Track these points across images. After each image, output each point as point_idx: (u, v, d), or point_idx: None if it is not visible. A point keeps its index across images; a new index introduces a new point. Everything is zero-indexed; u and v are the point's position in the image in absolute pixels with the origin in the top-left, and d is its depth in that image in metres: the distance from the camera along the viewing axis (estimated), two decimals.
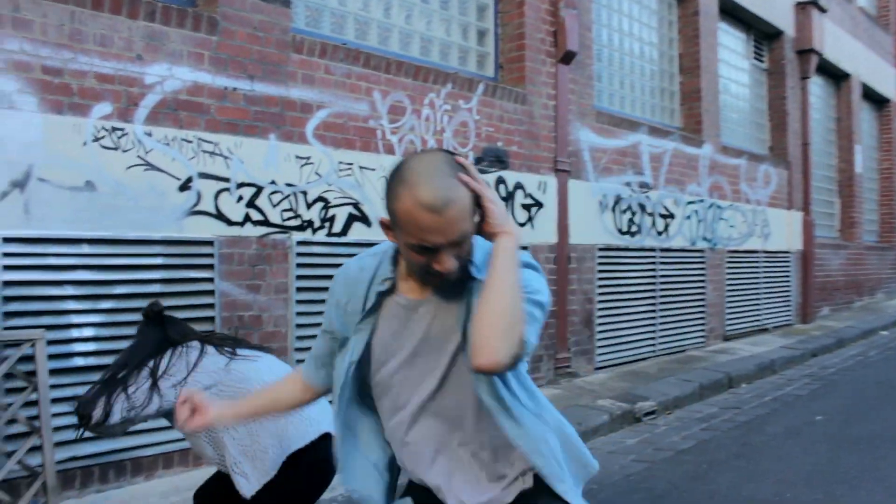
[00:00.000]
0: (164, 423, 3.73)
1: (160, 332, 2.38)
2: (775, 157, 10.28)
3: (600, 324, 6.89)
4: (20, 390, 3.28)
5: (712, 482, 4.05)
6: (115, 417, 2.30)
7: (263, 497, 2.26)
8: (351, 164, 4.62)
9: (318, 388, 1.80)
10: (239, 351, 2.38)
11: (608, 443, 4.91)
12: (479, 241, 1.52)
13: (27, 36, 3.39)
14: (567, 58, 6.30)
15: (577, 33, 6.39)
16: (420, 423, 1.59)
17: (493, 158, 5.71)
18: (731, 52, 9.72)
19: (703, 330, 8.37)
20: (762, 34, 10.36)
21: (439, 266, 1.43)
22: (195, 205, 3.91)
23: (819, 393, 6.40)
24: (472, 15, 5.99)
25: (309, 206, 4.45)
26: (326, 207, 4.51)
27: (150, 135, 3.76)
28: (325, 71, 4.53)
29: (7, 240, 3.33)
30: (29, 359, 3.25)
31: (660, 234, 7.70)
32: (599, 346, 6.89)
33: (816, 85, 11.93)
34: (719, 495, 3.84)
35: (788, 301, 10.36)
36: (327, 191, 4.52)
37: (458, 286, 1.51)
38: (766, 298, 9.77)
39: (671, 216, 7.85)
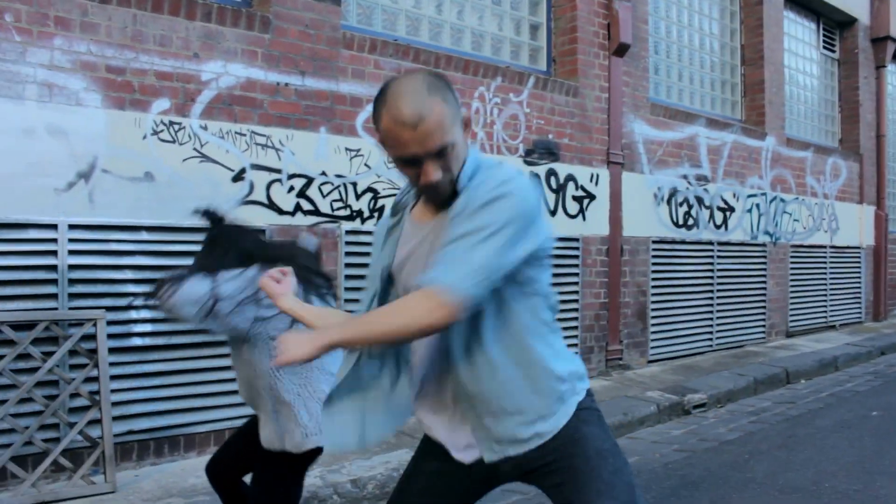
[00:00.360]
0: (217, 401, 3.98)
1: (236, 245, 2.34)
2: (845, 150, 10.00)
3: (654, 317, 6.88)
4: (83, 366, 3.54)
5: (750, 471, 4.06)
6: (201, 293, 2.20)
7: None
8: None
9: None
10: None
11: (654, 433, 4.94)
12: (472, 153, 1.66)
13: (94, 38, 3.64)
14: (621, 50, 6.31)
15: (631, 25, 6.38)
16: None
17: (544, 150, 5.77)
18: (798, 42, 9.49)
19: (763, 325, 8.24)
20: (833, 22, 10.08)
21: (425, 177, 1.56)
22: (248, 195, 4.12)
23: (879, 390, 6.25)
24: (524, 9, 6.06)
25: (358, 196, 4.61)
26: (375, 198, 4.67)
27: (205, 128, 3.98)
28: (374, 66, 4.69)
29: (73, 226, 3.59)
30: (91, 337, 3.51)
31: (718, 227, 7.61)
32: (653, 339, 6.88)
33: (893, 74, 11.52)
34: (754, 482, 3.86)
35: (858, 298, 10.07)
36: (376, 182, 4.68)
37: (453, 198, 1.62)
38: (833, 295, 9.53)
39: (731, 209, 7.76)
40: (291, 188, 4.29)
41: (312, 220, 4.39)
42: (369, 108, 4.66)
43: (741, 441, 4.67)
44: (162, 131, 3.83)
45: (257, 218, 4.13)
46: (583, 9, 6.07)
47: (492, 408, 1.64)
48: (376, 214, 4.66)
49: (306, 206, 4.36)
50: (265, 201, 4.18)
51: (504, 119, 5.46)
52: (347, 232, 4.56)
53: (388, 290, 1.79)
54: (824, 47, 10.04)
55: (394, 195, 4.76)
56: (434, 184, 1.57)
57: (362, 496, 3.58)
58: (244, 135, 4.10)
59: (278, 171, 4.23)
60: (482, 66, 5.33)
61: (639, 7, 6.62)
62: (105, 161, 3.66)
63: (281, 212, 4.25)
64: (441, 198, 1.63)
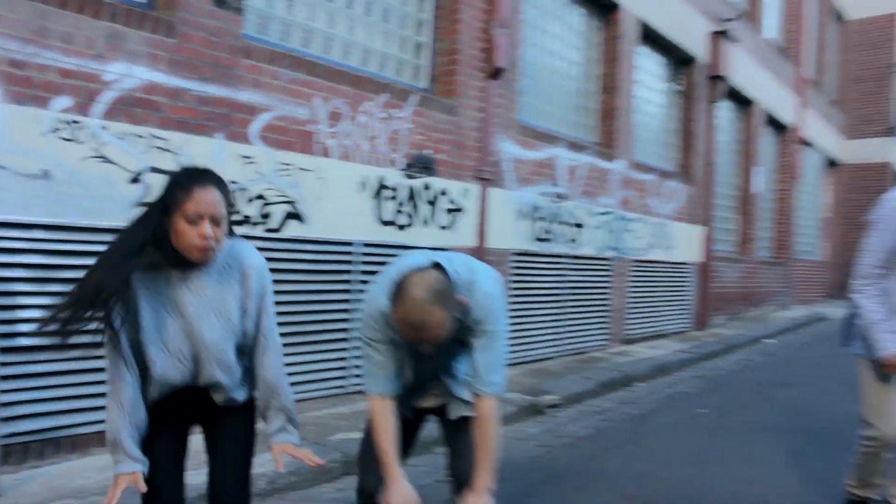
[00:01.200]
0: (101, 402, 3.98)
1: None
2: (682, 175, 11.01)
3: (513, 324, 7.37)
4: None
5: (605, 462, 4.60)
6: None
7: None
8: (290, 164, 4.92)
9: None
10: None
11: (514, 431, 5.37)
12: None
13: None
14: (496, 73, 6.73)
15: (508, 51, 6.82)
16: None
17: (422, 165, 6.08)
18: (648, 75, 10.36)
19: (605, 333, 8.98)
20: (678, 59, 11.07)
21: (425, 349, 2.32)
22: (143, 197, 4.15)
23: (705, 391, 7.07)
24: (410, 29, 6.34)
25: (249, 202, 4.73)
26: (265, 204, 4.79)
27: (105, 129, 3.97)
28: (271, 76, 4.82)
29: None
30: None
31: (571, 242, 8.23)
32: (511, 345, 7.37)
33: (724, 109, 12.77)
34: (611, 472, 4.39)
35: (687, 309, 11.13)
36: (267, 189, 4.81)
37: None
38: (665, 306, 10.49)
39: (582, 226, 8.40)
40: None
41: None
42: (264, 116, 4.79)
43: (593, 437, 5.21)
44: (62, 129, 3.81)
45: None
46: (464, 32, 6.43)
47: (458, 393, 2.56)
48: (264, 220, 4.79)
49: None
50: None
51: (388, 133, 5.72)
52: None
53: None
54: (670, 81, 11.01)
55: (284, 202, 4.91)
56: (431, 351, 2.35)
57: (255, 493, 3.74)
58: (144, 137, 4.13)
59: None
60: (371, 82, 5.56)
61: (513, 34, 7.07)
62: (1, 156, 3.60)
63: None
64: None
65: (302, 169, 5.00)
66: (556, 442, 5.08)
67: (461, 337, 2.43)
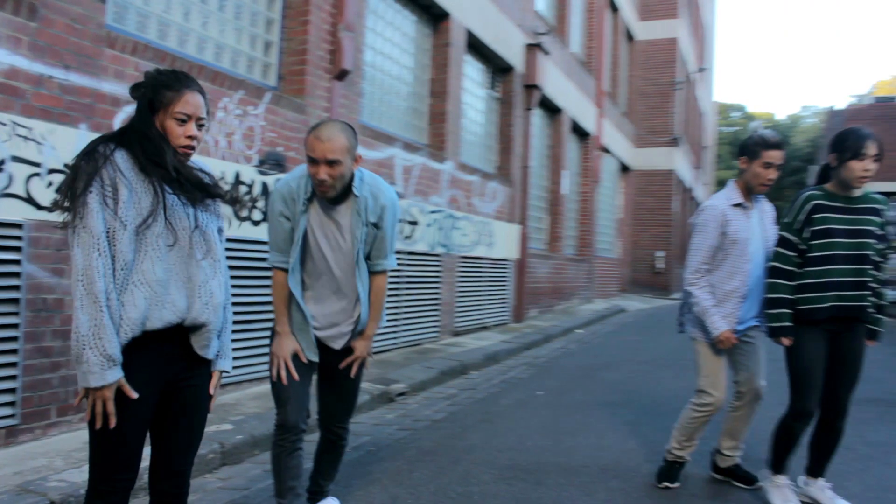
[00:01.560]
0: None
1: None
2: (501, 176, 11.76)
3: None
4: None
5: (468, 439, 5.02)
6: None
7: None
8: None
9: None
10: None
11: (372, 418, 5.65)
12: (366, 175, 3.05)
13: None
14: (342, 75, 6.97)
15: (352, 54, 7.08)
16: (326, 276, 3.07)
17: (274, 162, 6.20)
18: (472, 82, 10.99)
19: (437, 326, 9.46)
20: (498, 68, 11.81)
21: (315, 175, 2.85)
22: (6, 187, 4.01)
23: (536, 377, 7.70)
24: (260, 27, 6.44)
25: None
26: None
27: None
28: (134, 68, 4.78)
29: None
30: None
31: (406, 238, 8.62)
32: None
33: (537, 116, 13.74)
34: (476, 446, 4.82)
35: (506, 303, 11.89)
36: None
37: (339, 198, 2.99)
38: (488, 300, 11.17)
39: (416, 223, 8.82)
40: (51, 183, 4.24)
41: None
42: (128, 109, 4.74)
43: (449, 419, 5.61)
44: None
45: (14, 212, 4.05)
46: (313, 33, 6.62)
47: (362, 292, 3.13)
48: None
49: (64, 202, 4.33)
50: (24, 195, 4.10)
51: (243, 130, 5.80)
52: None
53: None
54: (491, 87, 11.72)
55: None
56: (321, 181, 2.84)
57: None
58: (5, 125, 4.00)
59: (38, 164, 4.17)
60: (228, 79, 5.63)
61: (357, 37, 7.34)
62: None
63: (39, 207, 4.19)
64: (328, 195, 2.91)
65: None
66: (415, 425, 5.42)
67: (371, 220, 3.03)
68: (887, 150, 17.41)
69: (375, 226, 3.06)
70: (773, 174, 3.75)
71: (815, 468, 3.80)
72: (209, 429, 4.57)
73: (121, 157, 2.09)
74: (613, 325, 13.87)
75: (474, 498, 3.84)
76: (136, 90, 2.20)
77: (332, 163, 2.82)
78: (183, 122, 2.15)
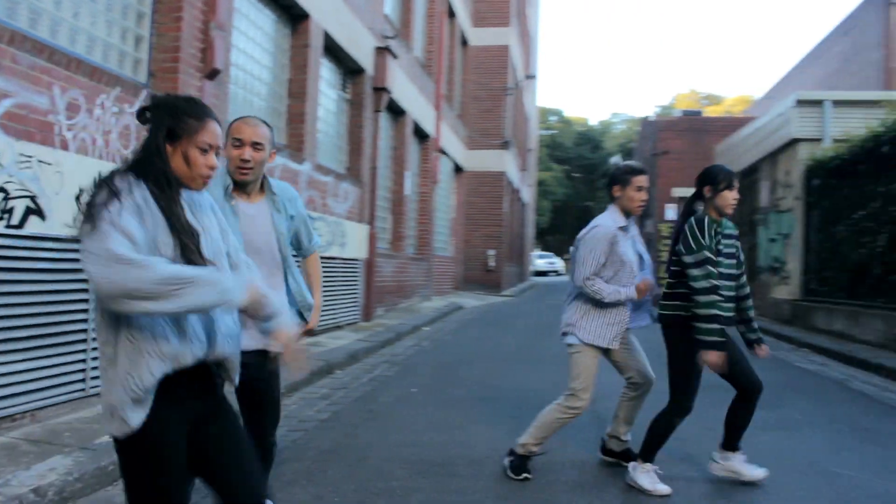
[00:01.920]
0: None
1: None
2: (352, 177, 11.91)
3: None
4: None
5: (363, 437, 5.18)
6: None
7: None
8: (31, 156, 4.66)
9: None
10: None
11: None
12: (282, 185, 3.34)
13: None
14: (213, 74, 6.87)
15: (223, 53, 6.99)
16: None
17: None
18: (326, 83, 11.05)
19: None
20: (350, 70, 11.94)
21: (241, 154, 3.09)
22: None
23: (402, 374, 7.95)
24: (131, 20, 6.22)
25: None
26: (6, 199, 4.50)
27: None
28: (11, 59, 4.53)
29: None
30: None
31: None
32: None
33: (383, 118, 13.97)
34: (375, 444, 4.99)
35: (356, 302, 12.05)
36: (8, 182, 4.52)
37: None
38: (341, 299, 11.29)
39: None
40: None
41: None
42: (5, 102, 4.50)
43: (335, 419, 5.74)
44: None
45: None
46: (185, 30, 6.48)
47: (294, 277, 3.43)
48: (6, 214, 4.50)
49: None
50: None
51: (119, 128, 5.62)
52: None
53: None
54: (342, 89, 11.83)
55: (25, 196, 4.65)
56: (245, 160, 3.06)
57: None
58: None
59: None
60: (106, 75, 5.43)
61: (226, 36, 7.25)
62: None
63: None
64: (248, 178, 3.10)
65: (42, 162, 4.75)
66: (304, 426, 5.49)
67: (290, 213, 3.29)
68: (693, 159, 19.58)
69: (292, 217, 3.32)
70: (644, 196, 4.26)
71: (733, 443, 4.32)
72: (98, 440, 4.43)
73: (139, 190, 2.04)
74: (456, 322, 14.39)
75: (397, 492, 4.03)
76: (154, 116, 2.13)
77: (256, 145, 3.08)
78: (205, 151, 2.12)
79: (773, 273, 15.06)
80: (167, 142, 2.09)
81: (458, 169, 22.81)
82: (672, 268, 4.21)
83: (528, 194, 34.87)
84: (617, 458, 4.60)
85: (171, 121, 2.09)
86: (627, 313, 4.24)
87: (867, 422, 6.03)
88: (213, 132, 2.13)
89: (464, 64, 23.31)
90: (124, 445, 2.04)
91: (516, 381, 7.66)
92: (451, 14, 20.24)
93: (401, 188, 15.21)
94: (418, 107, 16.19)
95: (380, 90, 12.67)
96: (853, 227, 11.27)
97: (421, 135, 17.23)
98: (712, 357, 3.93)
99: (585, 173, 72.01)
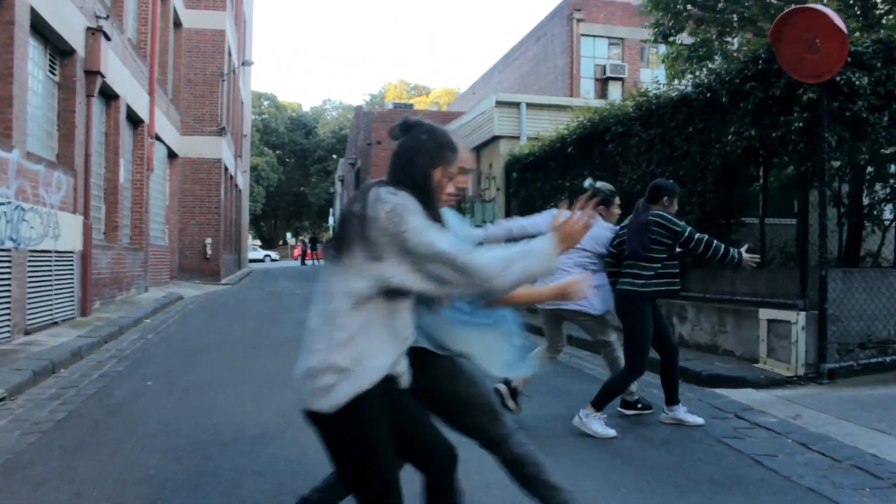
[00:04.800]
0: None
1: None
2: (65, 166, 11.23)
3: None
4: None
5: (110, 433, 5.22)
6: None
7: None
8: None
9: None
10: None
11: None
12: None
13: None
14: None
15: None
16: None
17: None
18: (34, 65, 10.32)
19: (7, 325, 8.86)
20: (59, 51, 11.21)
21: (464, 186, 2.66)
22: None
23: (134, 367, 7.88)
24: None
25: None
26: None
27: None
28: None
29: None
30: None
31: None
32: None
33: (95, 103, 13.24)
34: (124, 437, 5.05)
35: (72, 296, 11.42)
36: None
37: None
38: (56, 294, 10.66)
39: None
40: None
41: None
42: None
43: (74, 417, 5.67)
44: None
45: None
46: None
47: None
48: None
49: None
50: None
51: None
52: None
53: None
54: (50, 70, 11.08)
55: None
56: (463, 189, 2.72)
57: None
58: None
59: None
60: None
61: None
62: None
63: None
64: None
65: None
66: (38, 428, 5.33)
67: None
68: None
69: None
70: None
71: (674, 397, 5.48)
72: None
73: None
74: (179, 312, 14.13)
75: (155, 479, 4.22)
76: (413, 137, 2.46)
77: None
78: (452, 176, 2.46)
79: None
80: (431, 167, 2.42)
81: (172, 155, 22.02)
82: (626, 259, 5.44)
83: (242, 180, 34.41)
84: (636, 410, 5.74)
85: (435, 147, 2.44)
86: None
87: (559, 383, 7.22)
88: (470, 158, 2.57)
89: (177, 47, 22.48)
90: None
91: (254, 365, 7.96)
92: None
93: (115, 176, 14.51)
94: (132, 91, 15.49)
95: (92, 73, 12.02)
96: None
97: (134, 120, 16.47)
98: (747, 258, 5.26)
99: (298, 158, 72.23)
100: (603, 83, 25.52)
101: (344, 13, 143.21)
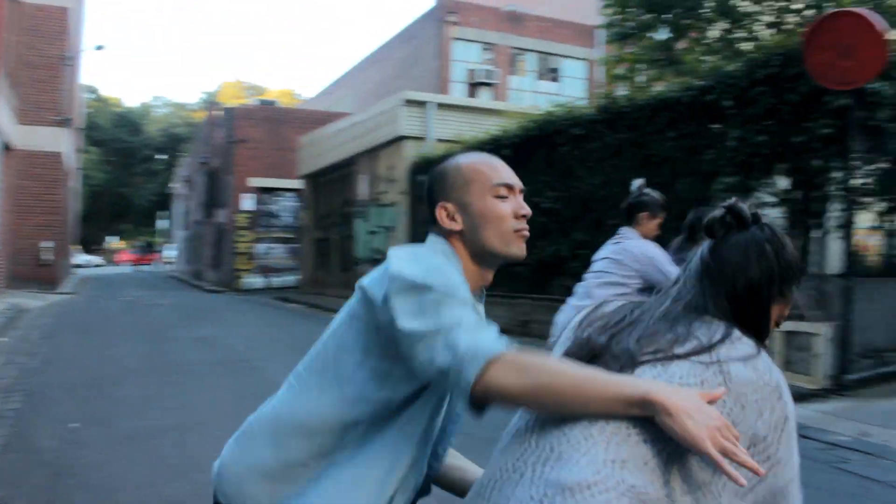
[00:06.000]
0: None
1: None
2: None
3: None
4: None
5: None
6: None
7: None
8: None
9: None
10: None
11: None
12: None
13: None
14: None
15: None
16: None
17: None
18: None
19: None
20: None
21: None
22: None
23: (38, 405, 6.32)
24: None
25: None
26: None
27: None
28: None
29: None
30: None
31: None
32: None
33: None
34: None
35: None
36: None
37: None
38: None
39: None
40: None
41: None
42: None
43: None
44: None
45: None
46: None
47: None
48: None
49: None
50: None
51: None
52: None
53: None
54: None
55: None
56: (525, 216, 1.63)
57: None
58: None
59: None
60: None
61: None
62: None
63: None
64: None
65: None
66: None
67: None
68: (272, 148, 19.85)
69: None
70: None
71: None
72: None
73: None
74: (37, 328, 12.11)
75: None
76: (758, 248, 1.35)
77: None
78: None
79: (374, 264, 15.64)
80: None
81: (6, 147, 19.29)
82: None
83: (76, 179, 31.27)
84: None
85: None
86: None
87: None
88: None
89: (14, 23, 19.75)
90: None
91: (199, 402, 6.61)
92: None
93: None
94: None
95: None
96: None
97: None
98: None
99: (123, 157, 67.58)
100: (473, 87, 25.25)
101: (176, 9, 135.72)
